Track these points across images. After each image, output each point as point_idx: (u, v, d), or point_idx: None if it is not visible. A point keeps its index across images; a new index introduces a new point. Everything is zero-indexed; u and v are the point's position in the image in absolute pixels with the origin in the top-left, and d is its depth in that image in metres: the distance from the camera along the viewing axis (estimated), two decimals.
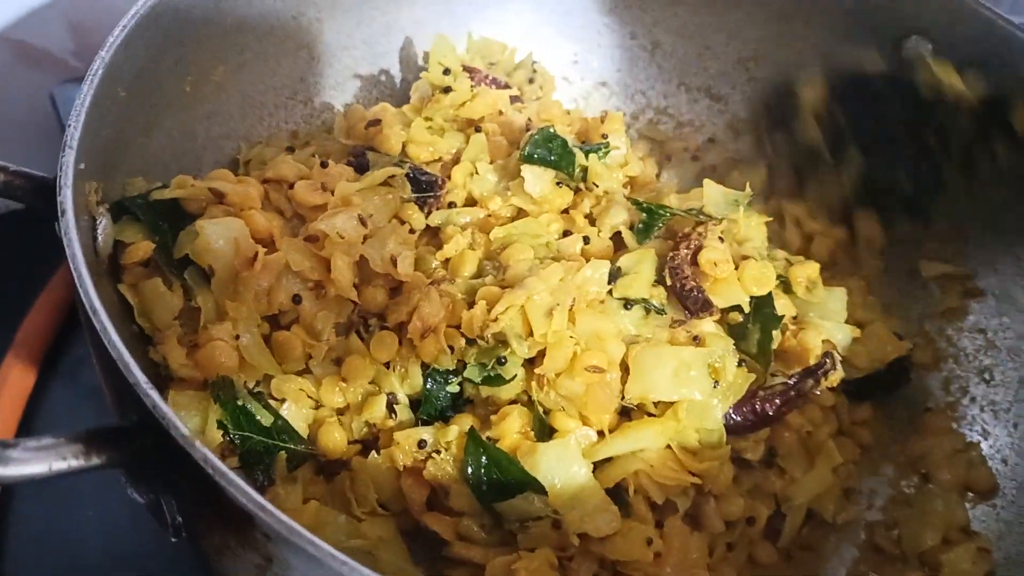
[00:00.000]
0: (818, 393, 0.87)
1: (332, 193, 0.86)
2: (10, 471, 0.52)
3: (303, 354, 0.79)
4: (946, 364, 0.99)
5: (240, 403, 0.74)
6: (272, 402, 0.78)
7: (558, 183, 0.94)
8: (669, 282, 0.85)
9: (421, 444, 0.77)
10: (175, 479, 0.58)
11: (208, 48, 0.91)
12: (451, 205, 0.93)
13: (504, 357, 0.79)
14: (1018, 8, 1.45)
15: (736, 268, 0.87)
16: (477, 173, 0.96)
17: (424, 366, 0.81)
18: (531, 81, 1.10)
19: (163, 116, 0.87)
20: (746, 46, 1.10)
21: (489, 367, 0.80)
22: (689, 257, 0.86)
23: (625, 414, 0.83)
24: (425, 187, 0.92)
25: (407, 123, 0.99)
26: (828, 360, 0.86)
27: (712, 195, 0.93)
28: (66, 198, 0.65)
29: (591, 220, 0.95)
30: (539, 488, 0.75)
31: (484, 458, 0.76)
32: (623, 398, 0.81)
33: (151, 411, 0.54)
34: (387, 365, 0.81)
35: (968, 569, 0.82)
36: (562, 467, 0.76)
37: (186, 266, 0.78)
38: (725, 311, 0.87)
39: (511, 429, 0.78)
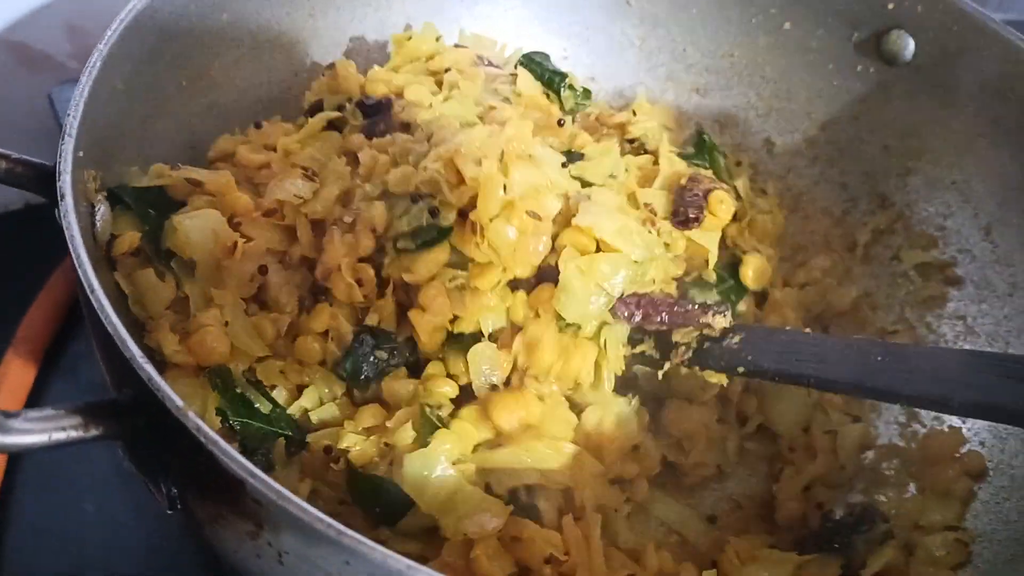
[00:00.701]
0: (704, 323, 0.82)
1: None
2: (12, 440, 0.53)
3: (274, 333, 0.80)
4: None
5: (239, 391, 0.75)
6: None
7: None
8: (683, 183, 0.87)
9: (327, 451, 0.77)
10: (170, 450, 0.59)
11: (204, 44, 0.92)
12: (404, 127, 0.90)
13: (436, 207, 0.79)
14: (1004, 6, 1.47)
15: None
16: (459, 88, 0.94)
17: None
18: None
19: (160, 109, 0.88)
20: (730, 40, 1.11)
21: (424, 224, 0.79)
22: (704, 191, 0.87)
23: (550, 280, 0.80)
24: (372, 111, 0.91)
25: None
26: (722, 305, 0.83)
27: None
28: (65, 183, 0.67)
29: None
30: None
31: (365, 487, 0.74)
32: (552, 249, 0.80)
33: (147, 384, 0.56)
34: (326, 336, 0.81)
35: (941, 557, 0.83)
36: (427, 473, 0.72)
37: (173, 256, 0.79)
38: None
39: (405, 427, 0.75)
